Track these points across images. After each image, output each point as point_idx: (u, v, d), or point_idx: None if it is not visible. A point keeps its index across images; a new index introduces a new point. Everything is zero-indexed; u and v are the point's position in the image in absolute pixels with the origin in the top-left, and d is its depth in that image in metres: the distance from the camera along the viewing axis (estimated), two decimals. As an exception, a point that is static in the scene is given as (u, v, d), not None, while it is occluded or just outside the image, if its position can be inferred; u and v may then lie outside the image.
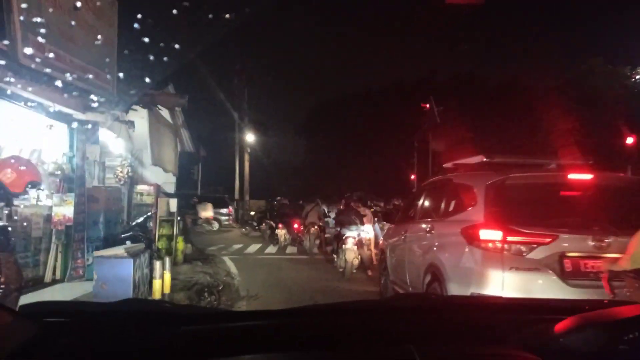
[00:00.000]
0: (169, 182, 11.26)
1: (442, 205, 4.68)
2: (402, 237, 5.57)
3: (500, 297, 2.27)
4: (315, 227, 13.67)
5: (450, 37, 49.08)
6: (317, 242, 13.82)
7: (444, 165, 5.35)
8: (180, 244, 10.06)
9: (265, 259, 12.77)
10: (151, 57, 5.68)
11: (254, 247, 15.61)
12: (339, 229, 10.04)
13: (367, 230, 10.63)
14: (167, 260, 6.15)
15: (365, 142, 36.95)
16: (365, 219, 10.35)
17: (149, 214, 8.82)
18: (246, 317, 1.43)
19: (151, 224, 9.42)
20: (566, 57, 35.23)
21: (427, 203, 5.36)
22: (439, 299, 2.24)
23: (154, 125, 8.00)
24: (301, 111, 45.90)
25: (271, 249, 15.10)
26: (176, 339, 1.16)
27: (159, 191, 10.17)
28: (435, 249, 4.40)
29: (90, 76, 5.71)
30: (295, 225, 15.71)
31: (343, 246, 9.45)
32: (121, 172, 9.06)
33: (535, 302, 2.07)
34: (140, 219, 8.39)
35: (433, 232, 4.59)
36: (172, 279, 7.39)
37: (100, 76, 5.83)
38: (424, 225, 4.83)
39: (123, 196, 9.42)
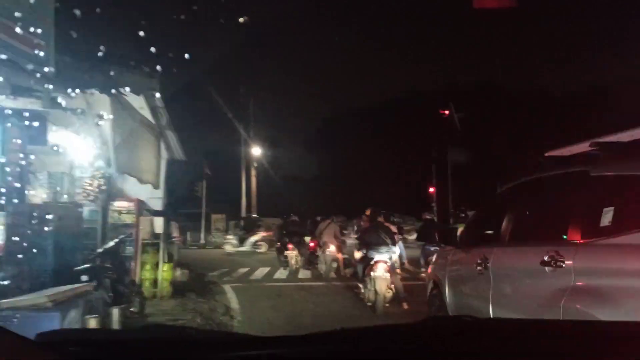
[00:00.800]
0: (155, 197, 9.36)
1: (577, 219, 2.57)
2: (481, 268, 3.55)
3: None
4: (332, 247, 11.68)
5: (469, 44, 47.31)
6: (335, 265, 11.81)
7: (548, 154, 3.33)
8: (167, 273, 8.11)
9: (274, 287, 10.72)
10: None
11: (261, 271, 13.62)
12: (364, 252, 8.01)
13: (396, 251, 8.74)
14: (115, 312, 4.22)
15: (380, 154, 35.01)
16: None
17: (122, 237, 6.91)
18: (273, 343, 1.32)
19: (130, 249, 7.52)
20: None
21: (530, 215, 3.33)
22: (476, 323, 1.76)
23: (121, 118, 6.16)
24: (312, 124, 43.90)
25: (281, 273, 13.09)
26: None
27: (142, 209, 8.29)
28: (576, 296, 2.36)
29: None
30: (311, 244, 13.79)
31: (372, 273, 7.44)
32: (90, 184, 7.20)
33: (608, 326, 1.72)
34: (111, 244, 6.47)
35: (563, 265, 2.52)
36: (150, 322, 5.48)
37: (28, 40, 4.00)
38: (533, 253, 2.78)
39: (96, 215, 7.57)
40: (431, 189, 28.38)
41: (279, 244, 16.44)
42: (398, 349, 1.24)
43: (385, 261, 7.47)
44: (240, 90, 26.66)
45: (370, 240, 7.85)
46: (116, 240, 6.58)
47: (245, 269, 14.23)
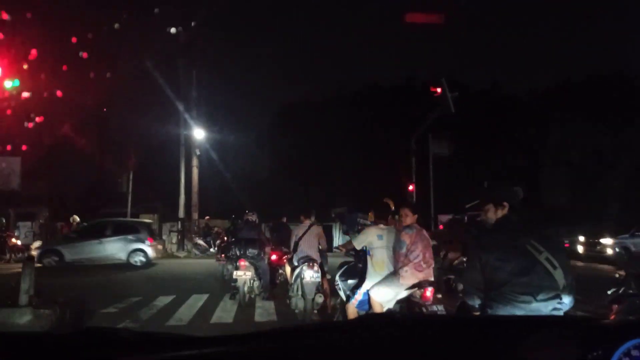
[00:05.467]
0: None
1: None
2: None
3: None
4: (315, 268, 6.67)
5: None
6: (320, 299, 6.77)
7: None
8: None
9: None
10: None
11: (193, 305, 8.40)
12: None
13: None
14: None
15: (351, 147, 30.30)
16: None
17: None
18: (218, 343, 1.28)
19: None
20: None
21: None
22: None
23: None
24: (271, 107, 38.01)
25: (225, 309, 7.93)
26: None
27: None
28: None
29: None
30: (272, 256, 8.87)
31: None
32: None
33: (505, 318, 2.08)
34: None
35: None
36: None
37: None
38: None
39: None
40: (410, 187, 23.95)
41: (222, 256, 11.25)
42: (330, 345, 1.26)
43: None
44: (180, 59, 21.07)
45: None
46: None
47: (169, 299, 8.93)
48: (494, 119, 31.52)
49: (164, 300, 8.78)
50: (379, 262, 4.90)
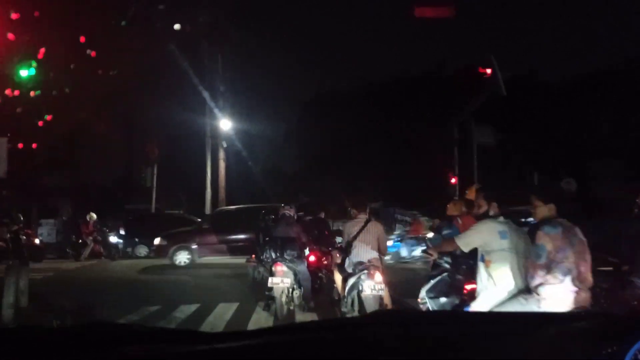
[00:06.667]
0: None
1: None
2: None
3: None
4: (377, 277, 5.10)
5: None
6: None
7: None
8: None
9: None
10: None
11: (220, 316, 6.98)
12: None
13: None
14: None
15: (382, 140, 28.52)
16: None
17: None
18: (226, 338, 1.31)
19: None
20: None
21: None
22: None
23: None
24: (301, 96, 36.24)
25: (258, 324, 6.46)
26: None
27: None
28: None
29: None
30: (312, 258, 7.44)
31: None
32: None
33: (510, 315, 2.06)
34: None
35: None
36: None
37: None
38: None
39: None
40: (453, 180, 22.06)
41: (252, 257, 9.81)
42: (345, 341, 1.24)
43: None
44: (205, 45, 19.78)
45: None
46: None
47: (192, 308, 7.54)
48: (534, 106, 29.17)
49: (185, 311, 7.41)
50: (502, 272, 3.26)
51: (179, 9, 18.70)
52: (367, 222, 5.47)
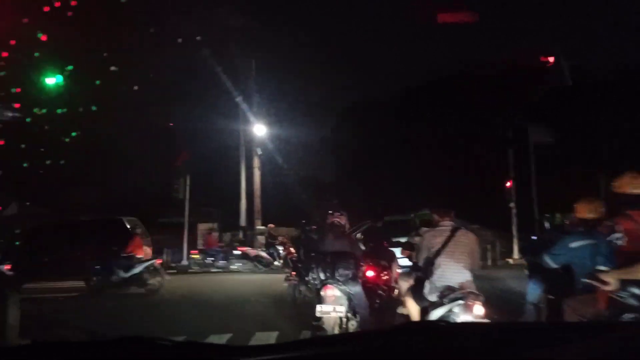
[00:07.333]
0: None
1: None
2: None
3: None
4: (475, 306, 3.54)
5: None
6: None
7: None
8: None
9: None
10: None
11: (261, 342, 5.55)
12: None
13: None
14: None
15: (424, 145, 26.72)
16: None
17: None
18: (255, 352, 1.31)
19: None
20: None
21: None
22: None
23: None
24: (340, 100, 34.67)
25: None
26: None
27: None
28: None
29: None
30: (368, 273, 6.05)
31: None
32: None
33: (535, 325, 2.11)
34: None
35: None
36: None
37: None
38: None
39: None
40: (508, 183, 20.07)
41: (293, 274, 8.44)
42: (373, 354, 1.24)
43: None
44: (238, 50, 18.81)
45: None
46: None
47: (224, 339, 6.18)
48: (588, 102, 26.68)
49: (216, 342, 6.03)
50: None
51: (211, 13, 17.89)
52: (454, 230, 3.96)
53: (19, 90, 14.18)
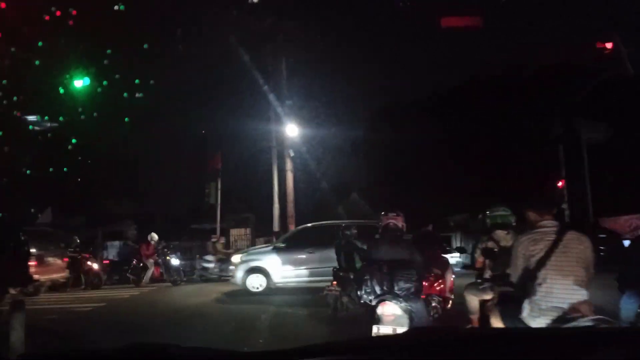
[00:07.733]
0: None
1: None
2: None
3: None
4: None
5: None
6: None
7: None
8: None
9: None
10: None
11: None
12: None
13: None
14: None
15: (466, 148, 25.45)
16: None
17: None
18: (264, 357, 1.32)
19: None
20: None
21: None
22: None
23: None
24: (375, 100, 33.50)
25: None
26: None
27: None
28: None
29: None
30: (434, 286, 5.19)
31: None
32: None
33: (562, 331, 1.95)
34: None
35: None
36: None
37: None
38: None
39: None
40: (560, 183, 18.65)
41: (333, 284, 7.65)
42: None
43: None
44: (269, 50, 18.22)
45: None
46: None
47: None
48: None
49: None
50: None
51: (242, 10, 17.41)
52: (560, 232, 3.02)
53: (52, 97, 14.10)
